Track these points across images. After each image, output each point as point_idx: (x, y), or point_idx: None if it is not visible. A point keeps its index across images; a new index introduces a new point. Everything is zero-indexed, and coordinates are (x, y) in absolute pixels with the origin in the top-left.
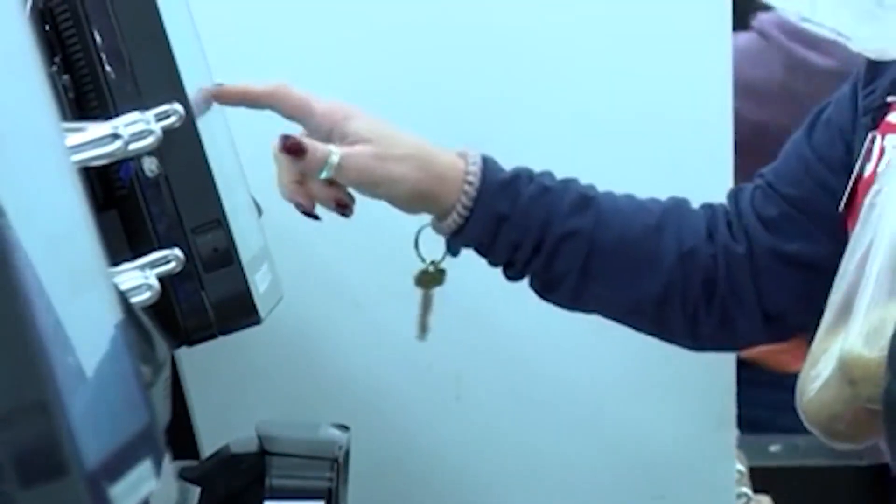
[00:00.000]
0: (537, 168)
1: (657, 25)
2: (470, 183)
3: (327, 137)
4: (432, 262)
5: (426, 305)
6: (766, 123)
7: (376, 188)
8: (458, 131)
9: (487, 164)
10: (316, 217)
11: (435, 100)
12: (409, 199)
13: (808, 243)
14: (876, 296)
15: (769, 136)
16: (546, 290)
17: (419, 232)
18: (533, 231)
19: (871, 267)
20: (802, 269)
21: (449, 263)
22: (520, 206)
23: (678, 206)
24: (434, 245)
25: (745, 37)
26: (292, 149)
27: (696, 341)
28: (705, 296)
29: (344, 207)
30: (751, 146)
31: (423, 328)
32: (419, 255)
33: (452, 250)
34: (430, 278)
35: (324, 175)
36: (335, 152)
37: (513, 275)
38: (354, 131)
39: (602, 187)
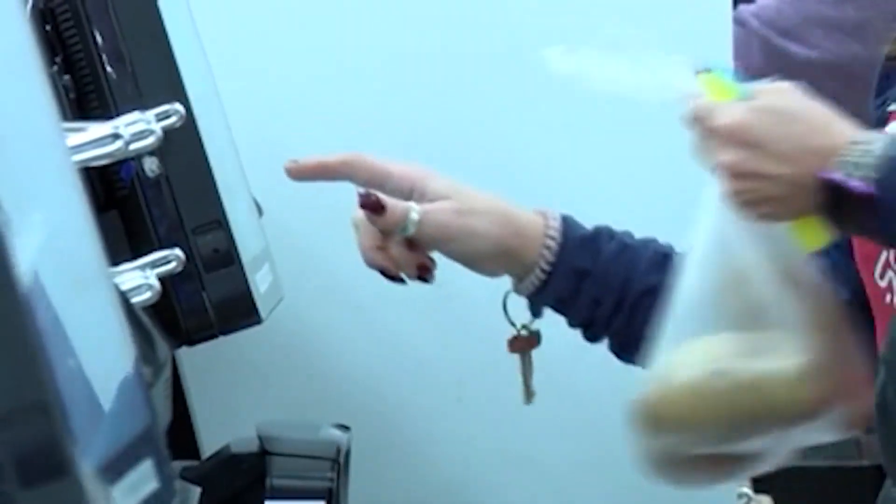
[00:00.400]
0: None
1: (657, 24)
2: (552, 238)
3: (406, 198)
4: (523, 326)
5: (526, 370)
6: None
7: (457, 244)
8: (457, 129)
9: (567, 221)
10: (402, 281)
11: (434, 92)
12: (491, 256)
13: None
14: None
15: None
16: (626, 349)
17: (506, 296)
18: (614, 287)
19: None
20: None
21: (447, 264)
22: (601, 263)
23: None
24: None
25: None
26: (372, 206)
27: None
28: None
29: (425, 271)
30: None
31: (529, 393)
32: (509, 320)
33: (534, 310)
34: (525, 342)
35: (405, 232)
36: (415, 208)
37: (593, 335)
38: (433, 189)
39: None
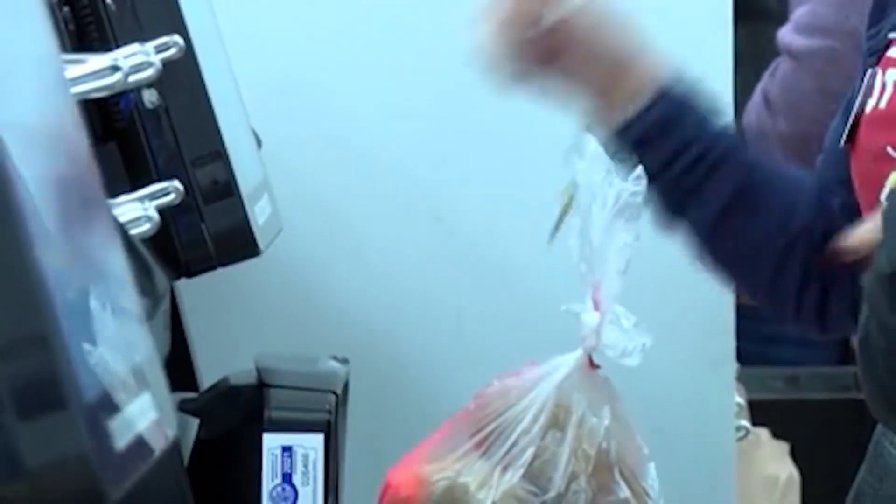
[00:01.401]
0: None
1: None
2: (670, 73)
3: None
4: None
5: (566, 210)
6: None
7: (600, 34)
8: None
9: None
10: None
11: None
12: (614, 63)
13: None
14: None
15: None
16: (682, 210)
17: (580, 135)
18: (704, 139)
19: None
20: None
21: (447, 198)
22: (699, 111)
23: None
24: None
25: None
26: None
27: (799, 312)
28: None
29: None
30: None
31: (557, 230)
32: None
33: (619, 148)
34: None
35: (576, 3)
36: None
37: (661, 184)
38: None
39: None
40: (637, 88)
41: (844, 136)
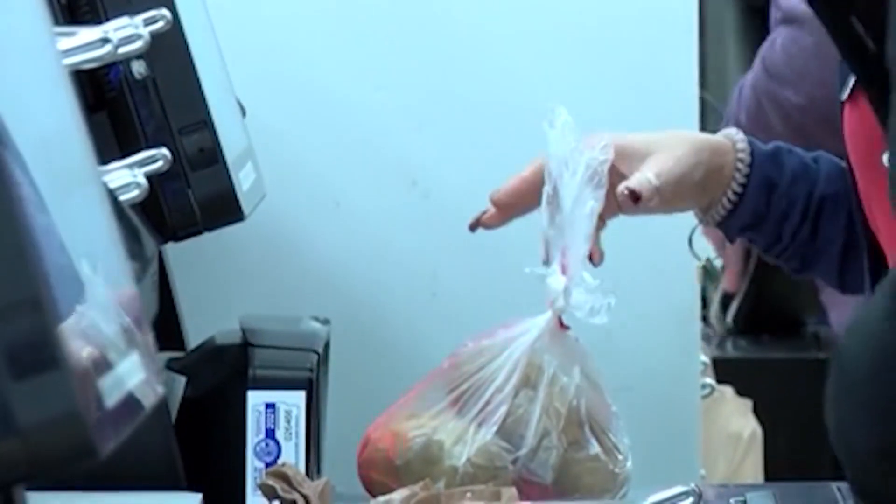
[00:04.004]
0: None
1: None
2: (743, 150)
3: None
4: (707, 259)
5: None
6: None
7: (682, 185)
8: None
9: (750, 140)
10: None
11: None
12: (700, 183)
13: None
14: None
15: None
16: (809, 262)
17: (693, 232)
18: (800, 197)
19: None
20: None
21: (423, 163)
22: (787, 175)
23: None
24: None
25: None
26: (634, 198)
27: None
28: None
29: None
30: None
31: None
32: (694, 253)
33: (729, 235)
34: (709, 274)
35: (653, 203)
36: (650, 176)
37: (779, 253)
38: (632, 148)
39: None
40: (727, 176)
41: (848, 92)
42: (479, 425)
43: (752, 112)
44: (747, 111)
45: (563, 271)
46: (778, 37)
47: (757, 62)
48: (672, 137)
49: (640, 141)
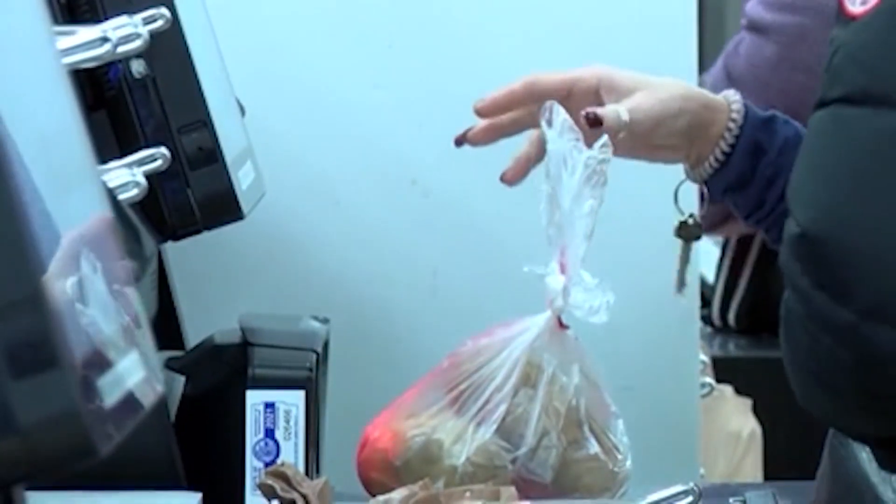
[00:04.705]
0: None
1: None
2: (736, 112)
3: (595, 94)
4: (691, 215)
5: (685, 259)
6: None
7: (662, 128)
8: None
9: (746, 102)
10: None
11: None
12: (685, 133)
13: None
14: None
15: None
16: (780, 239)
17: (679, 186)
18: (787, 168)
19: None
20: None
21: (423, 162)
22: (777, 142)
23: None
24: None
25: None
26: (594, 121)
27: None
28: None
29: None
30: None
31: (682, 282)
32: (678, 208)
33: (712, 195)
34: (689, 231)
35: (621, 135)
36: (622, 110)
37: (760, 219)
38: (620, 81)
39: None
40: (716, 133)
41: None
42: (479, 424)
43: None
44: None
45: (562, 270)
46: (742, 43)
47: (719, 64)
48: (664, 82)
49: (629, 78)
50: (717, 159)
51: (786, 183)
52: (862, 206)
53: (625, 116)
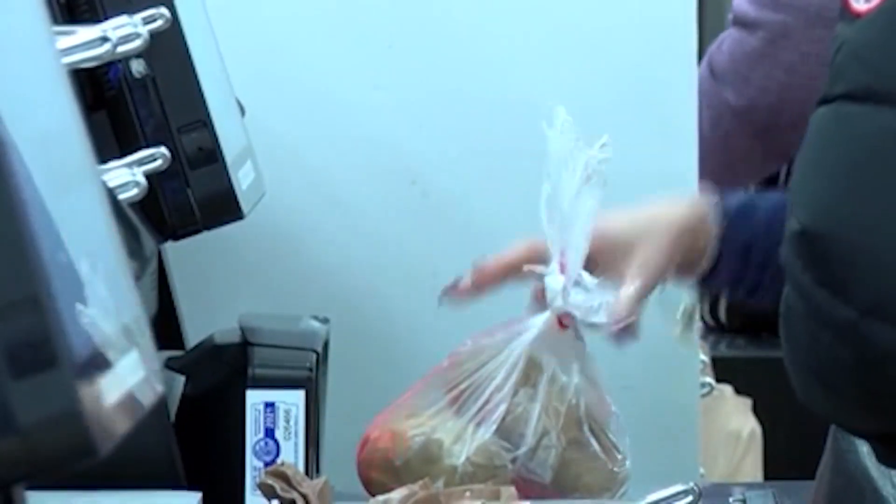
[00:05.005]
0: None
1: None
2: (714, 217)
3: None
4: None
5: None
6: None
7: (662, 274)
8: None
9: (719, 199)
10: None
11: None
12: (681, 263)
13: None
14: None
15: None
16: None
17: (661, 295)
18: (776, 247)
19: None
20: None
21: (422, 162)
22: (760, 227)
23: None
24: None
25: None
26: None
27: None
28: None
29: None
30: None
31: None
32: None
33: (710, 293)
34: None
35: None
36: (630, 292)
37: (761, 296)
38: (613, 241)
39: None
40: (700, 251)
41: None
42: (479, 424)
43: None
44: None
45: (562, 270)
46: (726, 38)
47: (704, 60)
48: (652, 224)
49: (622, 231)
50: (712, 258)
51: (776, 259)
52: (863, 203)
53: (637, 298)
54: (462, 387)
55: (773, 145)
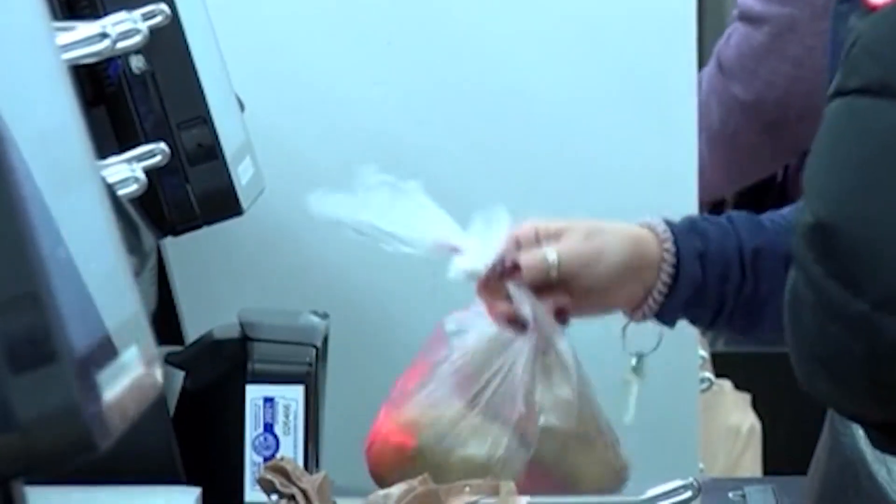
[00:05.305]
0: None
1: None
2: (665, 231)
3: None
4: (639, 355)
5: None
6: None
7: (591, 268)
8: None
9: (665, 220)
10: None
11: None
12: (623, 269)
13: None
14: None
15: None
16: (755, 318)
17: (625, 328)
18: (733, 255)
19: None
20: None
21: (422, 156)
22: (712, 240)
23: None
24: None
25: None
26: (511, 271)
27: None
28: None
29: (564, 314)
30: None
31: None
32: (627, 350)
33: (668, 319)
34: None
35: (550, 276)
36: (549, 251)
37: (726, 318)
38: (548, 225)
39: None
40: (655, 258)
41: None
42: (488, 416)
43: (700, 106)
44: (698, 105)
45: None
46: (733, 33)
47: (713, 56)
48: (592, 221)
49: (560, 221)
50: (667, 277)
51: (739, 270)
52: (876, 197)
53: (552, 256)
54: (473, 379)
55: (782, 141)
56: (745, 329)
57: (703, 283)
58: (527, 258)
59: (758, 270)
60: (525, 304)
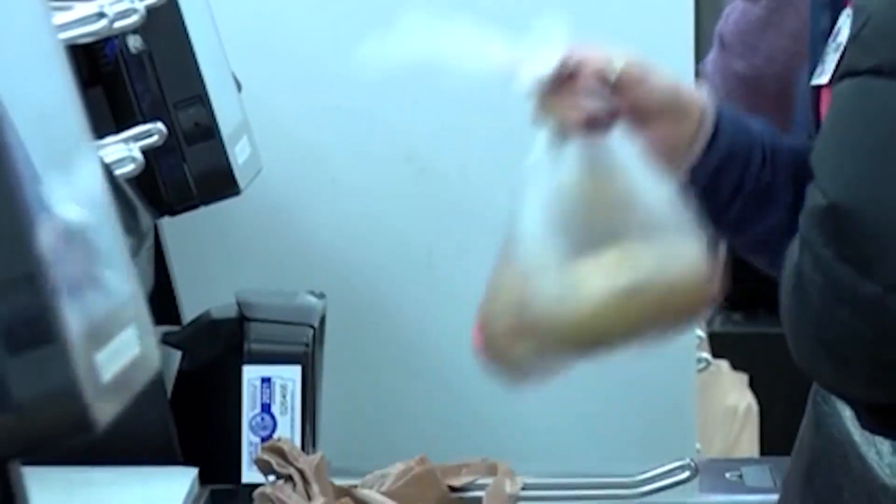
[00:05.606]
0: None
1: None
2: (706, 97)
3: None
4: None
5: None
6: None
7: (648, 85)
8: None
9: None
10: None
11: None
12: (673, 98)
13: None
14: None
15: None
16: (760, 214)
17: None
18: (757, 142)
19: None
20: None
21: (418, 139)
22: (741, 122)
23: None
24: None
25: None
26: (572, 77)
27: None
28: None
29: (614, 117)
30: None
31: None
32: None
33: (699, 179)
34: None
35: (612, 78)
36: (617, 57)
37: (741, 204)
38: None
39: None
40: (695, 130)
41: (829, 76)
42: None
43: (707, 91)
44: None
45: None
46: (732, 11)
47: (714, 39)
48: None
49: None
50: (711, 124)
51: (761, 156)
52: (891, 180)
53: (618, 64)
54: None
55: (784, 119)
56: (748, 222)
57: (737, 152)
58: (592, 55)
59: (775, 162)
60: (591, 100)
